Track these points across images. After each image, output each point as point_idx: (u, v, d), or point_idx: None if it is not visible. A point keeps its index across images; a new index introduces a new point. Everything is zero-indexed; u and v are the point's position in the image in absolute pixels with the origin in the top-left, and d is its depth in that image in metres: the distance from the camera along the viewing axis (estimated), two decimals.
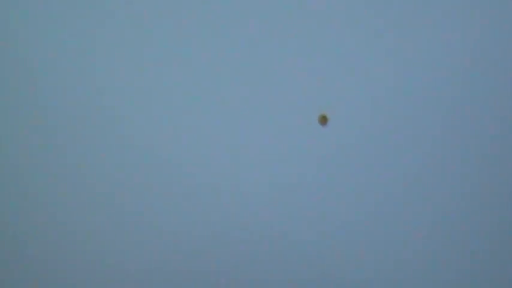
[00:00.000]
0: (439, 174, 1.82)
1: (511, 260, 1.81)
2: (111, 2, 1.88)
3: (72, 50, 1.90)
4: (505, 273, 1.81)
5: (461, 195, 1.82)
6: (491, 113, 1.80)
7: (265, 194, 1.87)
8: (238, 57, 1.85)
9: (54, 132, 1.92)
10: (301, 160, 1.86)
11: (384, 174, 1.83)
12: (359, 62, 1.82)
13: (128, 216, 1.92)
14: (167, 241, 1.91)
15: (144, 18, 1.88)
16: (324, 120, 1.72)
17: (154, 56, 1.88)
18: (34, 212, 1.94)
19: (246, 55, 1.85)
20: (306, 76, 1.84)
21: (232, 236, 1.89)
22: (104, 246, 1.93)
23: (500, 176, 1.80)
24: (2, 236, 1.96)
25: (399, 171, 1.83)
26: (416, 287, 1.84)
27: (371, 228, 1.85)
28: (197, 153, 1.88)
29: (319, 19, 1.82)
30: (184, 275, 1.91)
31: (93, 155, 1.91)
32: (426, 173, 1.82)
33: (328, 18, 1.82)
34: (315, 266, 1.87)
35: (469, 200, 1.82)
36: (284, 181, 1.86)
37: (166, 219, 1.91)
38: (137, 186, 1.91)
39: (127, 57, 1.89)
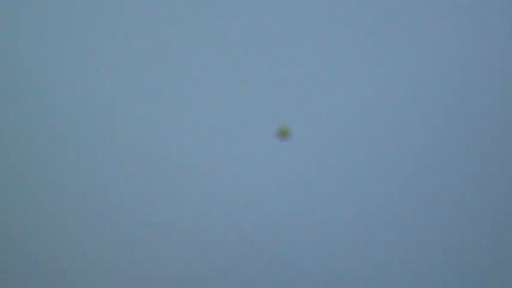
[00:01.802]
0: (438, 174, 1.82)
1: (510, 260, 1.82)
2: (111, 2, 1.89)
3: (72, 49, 1.90)
4: (505, 273, 1.82)
5: (457, 197, 1.82)
6: (477, 122, 1.80)
7: (265, 193, 1.87)
8: (235, 57, 1.86)
9: (55, 132, 1.92)
10: (300, 159, 1.86)
11: (382, 174, 1.84)
12: (349, 63, 1.82)
13: (128, 216, 1.92)
14: (167, 241, 1.91)
15: (144, 19, 1.88)
16: (284, 134, 1.72)
17: (151, 58, 1.88)
18: (33, 212, 1.94)
19: (242, 56, 1.85)
20: (305, 74, 1.84)
21: (231, 236, 1.89)
22: (104, 246, 1.93)
23: (498, 177, 1.81)
24: (2, 236, 1.96)
25: (397, 171, 1.83)
26: (416, 286, 1.85)
27: (369, 229, 1.85)
28: (197, 153, 1.88)
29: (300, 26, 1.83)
30: (184, 275, 1.91)
31: (93, 155, 1.91)
32: (425, 172, 1.83)
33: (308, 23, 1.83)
34: (315, 266, 1.87)
35: (466, 200, 1.82)
36: (284, 181, 1.86)
37: (165, 219, 1.91)
38: (137, 186, 1.91)
39: (126, 58, 1.89)
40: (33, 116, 1.93)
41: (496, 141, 1.81)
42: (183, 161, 1.89)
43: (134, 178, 1.91)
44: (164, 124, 1.89)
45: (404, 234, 1.84)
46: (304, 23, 1.84)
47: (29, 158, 1.94)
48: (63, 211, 1.94)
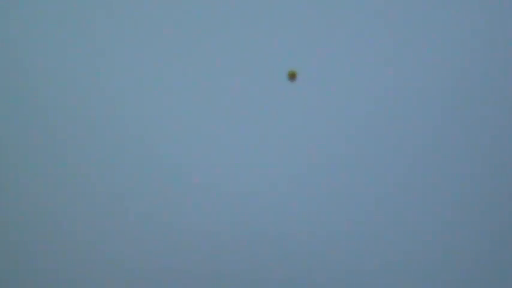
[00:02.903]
0: (438, 173, 1.82)
1: (510, 261, 1.81)
2: (111, 2, 1.89)
3: (71, 49, 1.91)
4: (505, 274, 1.81)
5: (455, 197, 1.82)
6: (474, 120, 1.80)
7: (264, 193, 1.87)
8: (236, 56, 1.86)
9: (54, 132, 1.92)
10: (299, 158, 1.86)
11: (381, 173, 1.84)
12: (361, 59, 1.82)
13: (128, 216, 1.92)
14: (166, 241, 1.91)
15: (143, 18, 1.88)
16: (292, 76, 1.70)
17: (151, 57, 1.88)
18: (33, 212, 1.94)
19: (243, 54, 1.86)
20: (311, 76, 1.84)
21: (230, 236, 1.89)
22: (104, 246, 1.93)
23: (496, 176, 1.81)
24: (2, 236, 1.96)
25: (397, 170, 1.83)
26: (415, 286, 1.84)
27: (368, 228, 1.85)
28: (196, 153, 1.88)
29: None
30: (184, 274, 1.91)
31: (93, 155, 1.91)
32: (426, 170, 1.83)
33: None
34: (315, 265, 1.87)
35: (464, 201, 1.82)
36: (282, 180, 1.86)
37: (165, 219, 1.91)
38: (137, 186, 1.91)
39: (126, 57, 1.89)
40: (32, 116, 1.93)
41: (495, 141, 1.81)
42: (182, 160, 1.89)
43: (134, 178, 1.91)
44: (164, 123, 1.89)
45: (404, 233, 1.84)
46: (302, 23, 1.84)
47: (29, 159, 1.94)
48: (64, 211, 1.94)
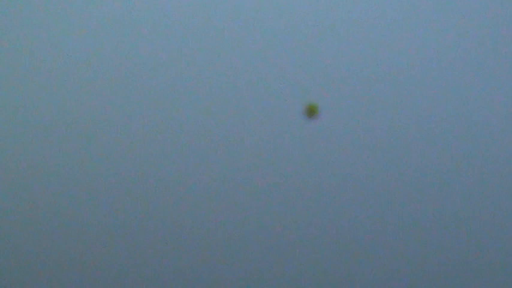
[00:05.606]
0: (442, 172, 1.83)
1: (509, 261, 1.82)
2: (108, 5, 1.89)
3: (71, 54, 1.90)
4: (504, 274, 1.82)
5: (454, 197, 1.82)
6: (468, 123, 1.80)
7: (264, 194, 1.87)
8: (232, 57, 1.86)
9: (53, 135, 1.92)
10: (297, 159, 1.86)
11: (381, 174, 1.84)
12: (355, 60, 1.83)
13: (127, 217, 1.91)
14: (165, 242, 1.91)
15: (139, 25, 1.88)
16: (311, 112, 1.69)
17: (149, 61, 1.88)
18: (32, 215, 1.94)
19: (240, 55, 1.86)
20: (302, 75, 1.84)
21: (229, 236, 1.89)
22: (103, 248, 1.92)
23: (496, 177, 1.81)
24: (2, 237, 1.95)
25: (398, 171, 1.84)
26: (414, 286, 1.85)
27: (368, 229, 1.85)
28: (195, 154, 1.88)
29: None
30: (184, 275, 1.91)
31: (93, 158, 1.91)
32: (427, 171, 1.83)
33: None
34: (314, 267, 1.87)
35: (463, 202, 1.83)
36: (281, 181, 1.86)
37: (164, 221, 1.90)
38: (135, 188, 1.91)
39: (124, 59, 1.89)
40: (32, 121, 1.92)
41: (497, 140, 1.81)
42: (181, 162, 1.89)
43: (133, 180, 1.91)
44: (161, 125, 1.89)
45: (404, 234, 1.85)
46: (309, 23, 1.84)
47: (27, 162, 1.93)
48: (64, 212, 1.93)
